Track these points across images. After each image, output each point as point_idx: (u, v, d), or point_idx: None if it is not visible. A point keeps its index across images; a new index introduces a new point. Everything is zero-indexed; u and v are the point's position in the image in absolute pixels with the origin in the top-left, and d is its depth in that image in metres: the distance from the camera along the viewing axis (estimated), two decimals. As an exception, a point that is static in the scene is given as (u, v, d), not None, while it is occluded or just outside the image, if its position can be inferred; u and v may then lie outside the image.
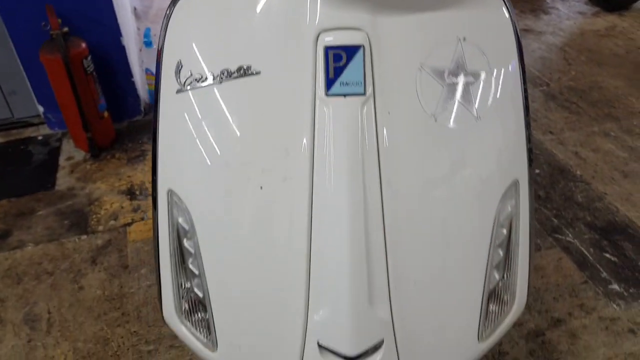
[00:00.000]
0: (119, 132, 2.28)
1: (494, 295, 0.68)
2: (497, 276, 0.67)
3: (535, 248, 1.73)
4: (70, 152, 2.19)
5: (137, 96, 2.36)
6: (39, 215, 1.88)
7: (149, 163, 2.10)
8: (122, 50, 2.21)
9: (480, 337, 0.65)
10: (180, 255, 0.66)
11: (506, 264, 0.68)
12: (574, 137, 2.25)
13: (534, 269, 1.66)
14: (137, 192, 1.97)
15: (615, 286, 1.60)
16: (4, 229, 1.82)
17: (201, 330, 0.66)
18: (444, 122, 0.65)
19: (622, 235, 1.78)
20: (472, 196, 0.66)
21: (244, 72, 0.63)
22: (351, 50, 0.60)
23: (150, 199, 1.94)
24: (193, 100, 0.65)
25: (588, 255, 1.71)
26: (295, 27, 0.61)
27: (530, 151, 0.71)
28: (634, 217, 1.85)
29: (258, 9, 0.64)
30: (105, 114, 2.15)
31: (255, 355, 0.62)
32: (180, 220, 0.65)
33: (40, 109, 2.27)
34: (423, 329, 0.62)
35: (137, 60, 2.42)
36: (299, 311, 0.60)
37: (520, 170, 0.70)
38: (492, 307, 0.67)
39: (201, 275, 0.64)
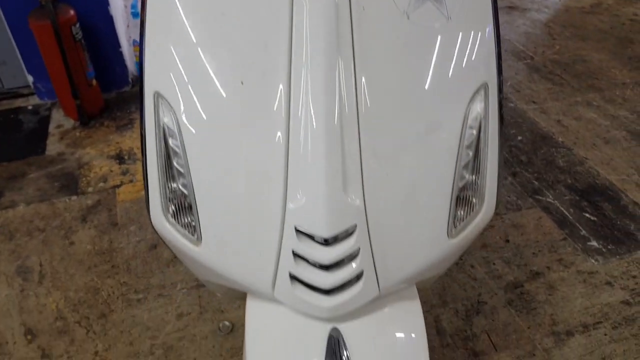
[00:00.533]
0: (108, 102, 2.30)
1: (463, 196, 0.71)
2: (466, 176, 0.70)
3: (515, 207, 1.78)
4: (60, 120, 2.21)
5: (124, 67, 2.37)
6: (30, 178, 1.89)
7: (138, 130, 2.12)
8: (109, 20, 2.22)
9: (449, 234, 0.69)
10: (167, 156, 0.69)
11: (475, 166, 0.71)
12: (557, 107, 2.30)
13: (513, 226, 1.70)
14: (126, 157, 1.99)
15: (594, 243, 1.65)
16: (-5, 191, 1.84)
17: (186, 227, 0.69)
18: (416, 20, 0.68)
19: (602, 197, 1.83)
20: (442, 95, 0.69)
21: None
22: None
23: (139, 163, 1.96)
24: (172, 1, 0.68)
25: (568, 214, 1.76)
26: None
27: (499, 57, 0.75)
28: (614, 180, 1.90)
29: None
30: (94, 82, 2.16)
31: (237, 246, 0.65)
32: (165, 120, 0.68)
33: (30, 78, 2.28)
34: (394, 219, 0.65)
35: (124, 33, 2.43)
36: (277, 200, 0.63)
37: (490, 74, 0.73)
38: (460, 209, 0.71)
39: (186, 174, 0.67)
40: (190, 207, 0.68)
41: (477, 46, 0.72)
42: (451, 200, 0.68)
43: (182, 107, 0.67)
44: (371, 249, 0.63)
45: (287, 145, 0.62)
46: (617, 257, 1.61)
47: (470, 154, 0.71)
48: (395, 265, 0.66)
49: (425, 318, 1.43)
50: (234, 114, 0.65)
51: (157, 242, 1.61)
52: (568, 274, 1.56)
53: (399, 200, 0.66)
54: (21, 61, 2.24)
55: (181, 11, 0.68)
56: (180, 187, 0.68)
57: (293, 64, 0.63)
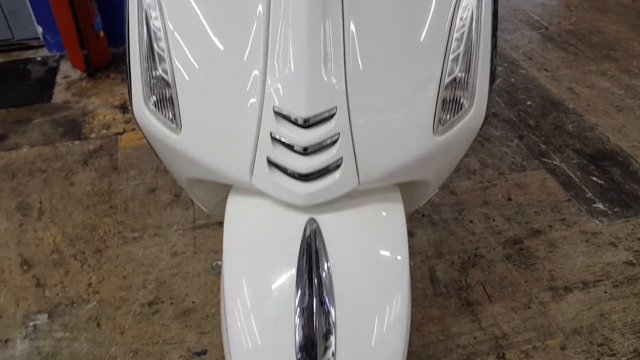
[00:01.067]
0: (115, 56, 2.30)
1: (452, 95, 0.68)
2: (455, 70, 0.67)
3: (520, 168, 1.74)
4: (67, 71, 2.21)
5: (135, 22, 2.36)
6: (35, 123, 1.90)
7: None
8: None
9: (435, 132, 0.66)
10: (149, 40, 0.67)
11: (465, 62, 0.69)
12: (570, 75, 2.24)
13: (516, 186, 1.67)
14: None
15: (599, 205, 1.61)
16: (1, 134, 1.86)
17: (167, 115, 0.67)
18: None
19: (611, 162, 1.78)
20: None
21: None
22: None
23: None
24: None
25: (574, 177, 1.72)
26: None
27: None
28: (624, 146, 1.85)
29: None
30: (101, 33, 2.16)
31: (217, 132, 0.63)
32: (147, 1, 0.67)
33: (39, 29, 2.29)
34: (377, 108, 0.63)
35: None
36: (257, 80, 0.61)
37: None
38: (449, 108, 0.68)
39: (167, 58, 0.66)
40: (171, 95, 0.66)
41: None
42: (438, 93, 0.66)
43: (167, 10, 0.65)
44: (352, 136, 0.61)
45: (267, 22, 0.61)
46: (623, 219, 1.57)
47: (461, 47, 0.68)
48: (376, 157, 0.63)
49: (420, 268, 1.42)
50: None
51: (156, 186, 1.61)
52: (570, 233, 1.52)
53: (383, 88, 0.63)
54: (31, 11, 2.24)
55: None
56: (161, 72, 0.67)
57: None
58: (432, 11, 0.66)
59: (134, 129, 1.87)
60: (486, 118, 0.74)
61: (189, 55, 0.65)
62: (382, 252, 0.65)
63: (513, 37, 2.51)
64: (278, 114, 0.60)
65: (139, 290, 1.31)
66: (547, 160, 1.78)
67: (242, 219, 0.67)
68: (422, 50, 0.66)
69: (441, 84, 0.66)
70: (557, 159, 1.79)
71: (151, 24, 0.66)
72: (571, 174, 1.73)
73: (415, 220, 1.55)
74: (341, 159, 0.61)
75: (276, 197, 0.63)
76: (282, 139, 0.60)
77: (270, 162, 0.62)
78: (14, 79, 2.20)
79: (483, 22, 0.69)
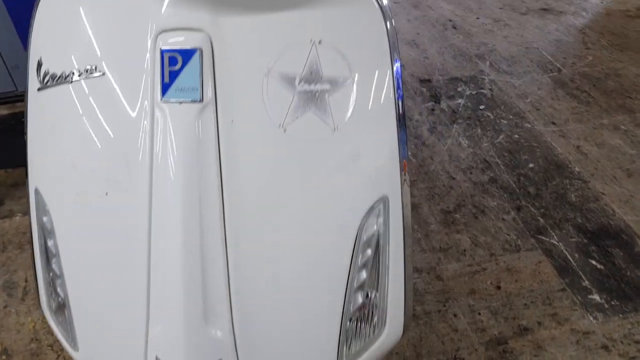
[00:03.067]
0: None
1: (360, 319, 0.64)
2: (360, 299, 0.63)
3: (513, 248, 1.65)
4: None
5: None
6: (26, 190, 1.93)
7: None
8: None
9: None
10: (46, 255, 0.66)
11: (374, 285, 0.64)
12: (579, 130, 2.11)
13: (508, 270, 1.59)
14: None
15: (595, 296, 1.51)
16: (-5, 200, 1.90)
17: (66, 328, 0.66)
18: (294, 133, 0.60)
19: (613, 241, 1.67)
20: (329, 213, 0.62)
21: (91, 72, 0.61)
22: (187, 53, 0.56)
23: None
24: (49, 100, 0.64)
25: (571, 260, 1.62)
26: (140, 26, 0.58)
27: (402, 165, 0.67)
28: (630, 221, 1.73)
29: (111, 6, 0.61)
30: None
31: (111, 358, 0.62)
32: (44, 219, 0.65)
33: (40, 83, 2.32)
34: (271, 351, 0.60)
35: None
36: (141, 324, 0.59)
37: (391, 186, 0.66)
38: (357, 330, 0.64)
39: (62, 276, 0.64)
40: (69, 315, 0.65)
41: (373, 157, 0.65)
42: (341, 326, 0.62)
43: (56, 208, 0.64)
44: None
45: (148, 269, 0.58)
46: (620, 315, 1.47)
47: (366, 274, 0.63)
48: None
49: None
50: (100, 226, 0.62)
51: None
52: (560, 332, 1.44)
53: (278, 329, 0.60)
54: (30, 66, 2.27)
55: (54, 112, 0.64)
56: (58, 288, 0.65)
57: (153, 179, 0.57)
58: (330, 247, 0.62)
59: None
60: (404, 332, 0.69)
61: (81, 283, 0.63)
62: None
63: (522, 83, 2.38)
64: None
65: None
66: (544, 238, 1.69)
67: None
68: (320, 286, 0.62)
69: (343, 316, 0.62)
70: (555, 237, 1.69)
71: (47, 243, 0.65)
72: (568, 256, 1.63)
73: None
74: None
75: None
76: None
77: None
78: (16, 134, 2.24)
79: (392, 243, 0.65)
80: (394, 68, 0.66)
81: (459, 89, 2.39)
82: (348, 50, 0.62)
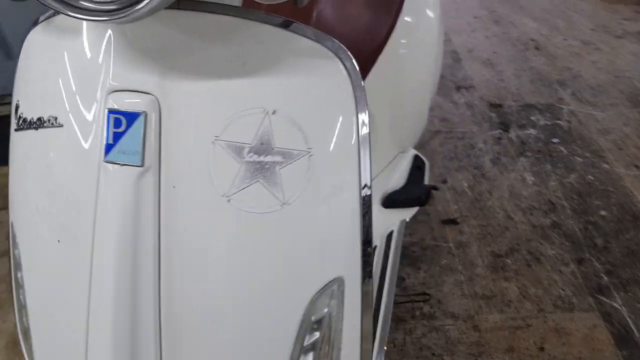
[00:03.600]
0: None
1: None
2: None
3: (567, 306, 1.50)
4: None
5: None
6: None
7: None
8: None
9: None
10: (17, 286, 0.70)
11: None
12: (667, 178, 1.86)
13: (556, 331, 1.44)
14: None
15: (657, 375, 1.33)
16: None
17: (30, 356, 0.69)
18: (239, 204, 0.57)
19: (691, 312, 1.46)
20: (273, 289, 0.59)
21: (53, 122, 0.62)
22: (131, 116, 0.55)
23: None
24: (21, 141, 0.67)
25: (634, 330, 1.43)
26: (96, 83, 0.58)
27: (366, 243, 0.62)
28: None
29: (79, 58, 0.61)
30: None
31: None
32: (15, 252, 0.69)
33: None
34: None
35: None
36: None
37: (347, 267, 0.62)
38: None
39: (25, 307, 0.67)
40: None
41: (328, 235, 0.61)
42: None
43: (22, 243, 0.67)
44: None
45: (87, 321, 0.58)
46: (685, 403, 1.28)
47: (312, 356, 0.61)
48: None
49: None
50: (53, 267, 0.63)
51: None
52: (608, 411, 1.28)
53: None
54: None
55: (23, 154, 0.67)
56: (24, 319, 0.68)
57: (95, 235, 0.58)
58: (272, 324, 0.60)
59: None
60: None
61: (40, 316, 0.66)
62: None
63: (606, 117, 2.15)
64: None
65: None
66: (604, 299, 1.51)
67: None
68: (261, 354, 0.59)
69: None
70: (619, 300, 1.51)
71: (17, 274, 0.68)
72: (631, 324, 1.44)
73: (423, 358, 1.42)
74: None
75: None
76: None
77: None
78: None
79: (346, 331, 0.62)
80: (359, 138, 0.61)
81: (533, 118, 2.21)
82: (305, 122, 0.59)
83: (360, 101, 0.61)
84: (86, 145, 0.58)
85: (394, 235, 1.25)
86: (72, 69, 0.61)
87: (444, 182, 1.93)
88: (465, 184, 1.92)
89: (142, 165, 0.55)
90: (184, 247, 0.57)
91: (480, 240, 1.70)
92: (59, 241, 0.61)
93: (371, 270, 0.63)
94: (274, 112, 0.58)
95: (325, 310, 0.61)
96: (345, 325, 0.62)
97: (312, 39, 0.60)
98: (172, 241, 0.57)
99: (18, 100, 0.67)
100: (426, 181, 1.42)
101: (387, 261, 1.20)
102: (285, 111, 0.58)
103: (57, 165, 0.62)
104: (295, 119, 0.58)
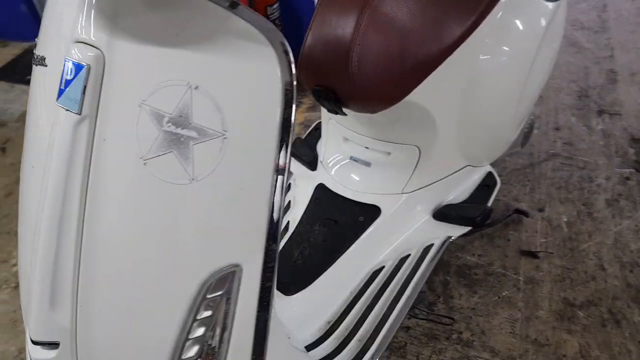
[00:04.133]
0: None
1: None
2: (195, 348, 0.64)
3: None
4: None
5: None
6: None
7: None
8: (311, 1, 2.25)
9: None
10: None
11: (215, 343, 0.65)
12: None
13: None
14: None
15: None
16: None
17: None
18: (153, 170, 0.60)
19: None
20: (169, 260, 0.62)
21: (42, 61, 0.69)
22: (79, 67, 0.60)
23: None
24: (33, 74, 0.74)
25: None
26: (70, 31, 0.63)
27: (271, 232, 0.63)
28: None
29: (69, 5, 0.65)
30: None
31: None
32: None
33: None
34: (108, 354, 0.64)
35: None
36: (24, 304, 0.69)
37: (247, 257, 0.63)
38: None
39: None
40: None
41: (231, 220, 0.63)
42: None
43: (21, 171, 0.78)
44: None
45: (36, 249, 0.67)
46: None
47: (203, 329, 0.65)
48: None
49: None
50: (25, 197, 0.72)
51: None
52: None
53: (116, 337, 0.65)
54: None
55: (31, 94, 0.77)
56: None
57: (46, 169, 0.64)
58: (169, 292, 0.63)
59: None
60: None
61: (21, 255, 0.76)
62: None
63: None
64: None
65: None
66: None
67: None
68: (160, 311, 0.64)
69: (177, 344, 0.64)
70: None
71: None
72: None
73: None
74: None
75: None
76: None
77: None
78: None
79: (240, 312, 0.65)
80: (280, 129, 0.61)
81: (680, 165, 1.85)
82: (226, 104, 0.59)
83: (287, 92, 0.61)
84: (55, 87, 0.65)
85: (433, 249, 1.20)
86: (64, 14, 0.67)
87: (541, 210, 1.76)
88: (565, 219, 1.72)
89: (79, 114, 0.61)
90: (105, 197, 0.63)
91: (556, 282, 1.53)
92: (32, 167, 0.70)
93: (273, 267, 0.65)
94: (196, 88, 0.59)
95: (220, 293, 0.64)
96: (240, 315, 0.65)
97: (251, 24, 0.59)
98: (96, 190, 0.63)
99: (37, 38, 0.76)
100: (490, 202, 1.32)
101: (416, 272, 1.16)
102: (207, 89, 0.59)
103: (39, 99, 0.71)
104: (216, 99, 0.59)
